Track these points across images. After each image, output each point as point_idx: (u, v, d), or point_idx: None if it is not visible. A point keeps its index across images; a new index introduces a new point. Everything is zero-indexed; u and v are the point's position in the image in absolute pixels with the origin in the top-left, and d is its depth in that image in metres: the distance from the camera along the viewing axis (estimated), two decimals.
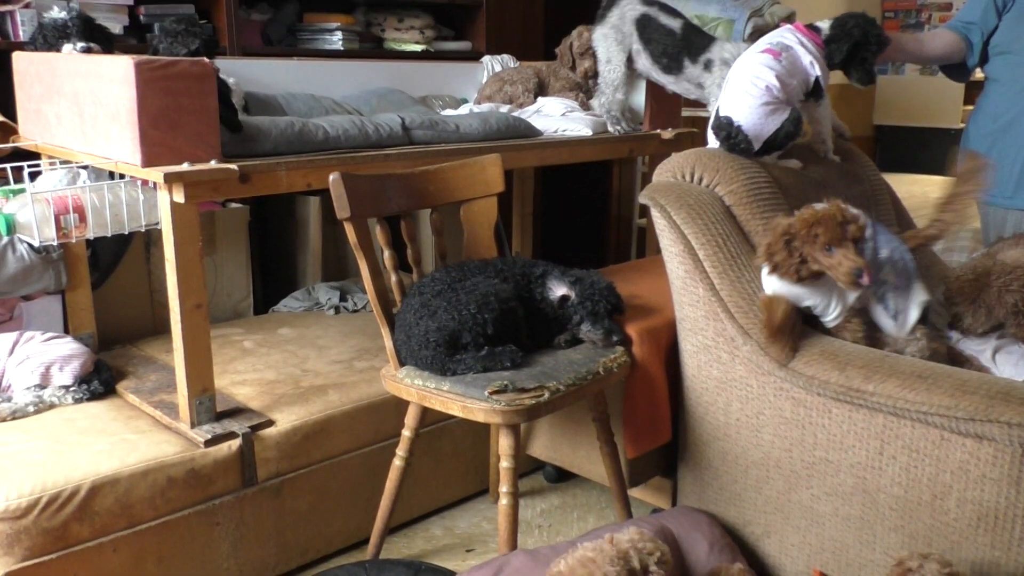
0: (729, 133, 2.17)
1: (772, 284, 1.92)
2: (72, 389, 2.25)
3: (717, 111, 2.23)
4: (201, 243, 2.04)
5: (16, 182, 2.34)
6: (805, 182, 2.29)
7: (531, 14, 4.56)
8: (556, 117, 2.99)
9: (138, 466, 1.94)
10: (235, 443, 2.07)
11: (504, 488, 1.91)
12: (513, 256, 3.23)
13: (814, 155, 2.45)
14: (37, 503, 1.80)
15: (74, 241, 2.29)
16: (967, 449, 1.63)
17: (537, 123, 2.89)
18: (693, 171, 2.16)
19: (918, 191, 3.89)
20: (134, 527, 1.93)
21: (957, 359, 2.07)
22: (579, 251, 4.89)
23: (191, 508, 2.01)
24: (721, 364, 2.01)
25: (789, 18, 2.79)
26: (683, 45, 2.64)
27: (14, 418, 2.14)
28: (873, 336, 1.99)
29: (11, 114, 2.51)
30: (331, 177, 1.91)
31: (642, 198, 2.14)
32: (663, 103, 3.09)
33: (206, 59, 1.99)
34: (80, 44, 2.26)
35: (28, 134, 2.43)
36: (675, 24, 2.66)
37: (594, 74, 3.03)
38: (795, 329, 1.90)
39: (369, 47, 3.67)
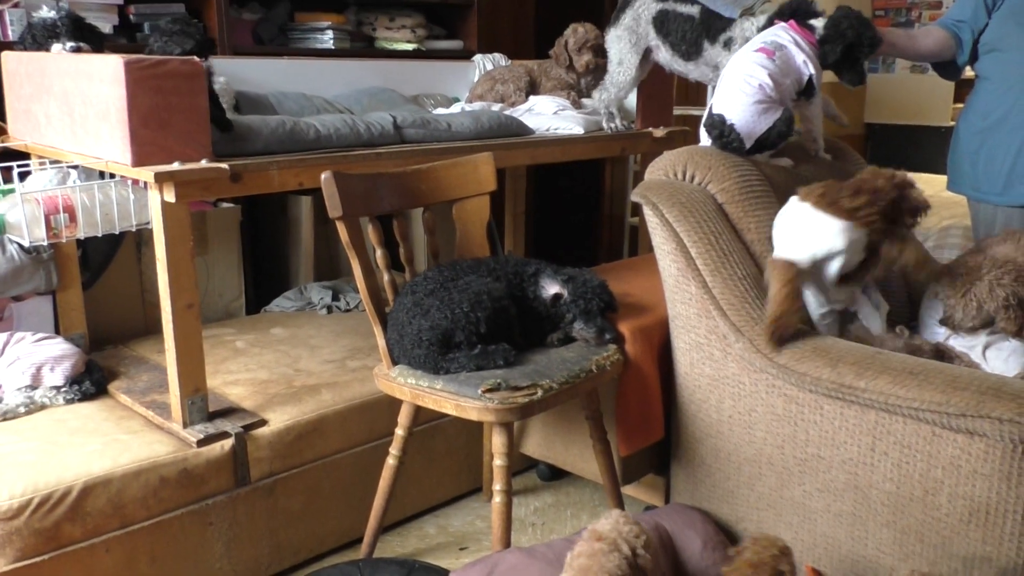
0: (722, 131, 2.17)
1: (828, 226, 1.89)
2: (63, 390, 2.24)
3: (710, 109, 2.23)
4: (192, 243, 2.03)
5: (6, 182, 2.33)
6: (797, 180, 2.29)
7: (522, 13, 4.56)
8: (548, 116, 2.99)
9: (130, 466, 1.93)
10: (228, 443, 2.07)
11: (497, 486, 1.91)
12: (506, 255, 3.23)
13: (806, 153, 2.46)
14: (29, 504, 1.79)
15: (64, 241, 2.29)
16: (958, 445, 1.64)
17: (529, 122, 2.89)
18: (685, 169, 2.16)
19: None
20: (127, 527, 1.92)
21: (947, 355, 2.08)
22: (571, 249, 4.90)
23: (184, 508, 2.01)
24: (713, 361, 2.01)
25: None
26: (702, 28, 2.63)
27: (5, 419, 2.13)
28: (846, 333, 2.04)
29: (0, 114, 2.50)
30: (323, 176, 1.91)
31: (634, 196, 2.14)
32: (655, 101, 3.09)
33: (196, 58, 1.99)
34: (69, 43, 2.25)
35: (17, 134, 2.42)
36: (693, 10, 2.65)
37: (594, 68, 3.03)
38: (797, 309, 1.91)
39: (360, 46, 3.66)
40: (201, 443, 2.04)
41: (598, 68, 3.03)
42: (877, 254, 1.98)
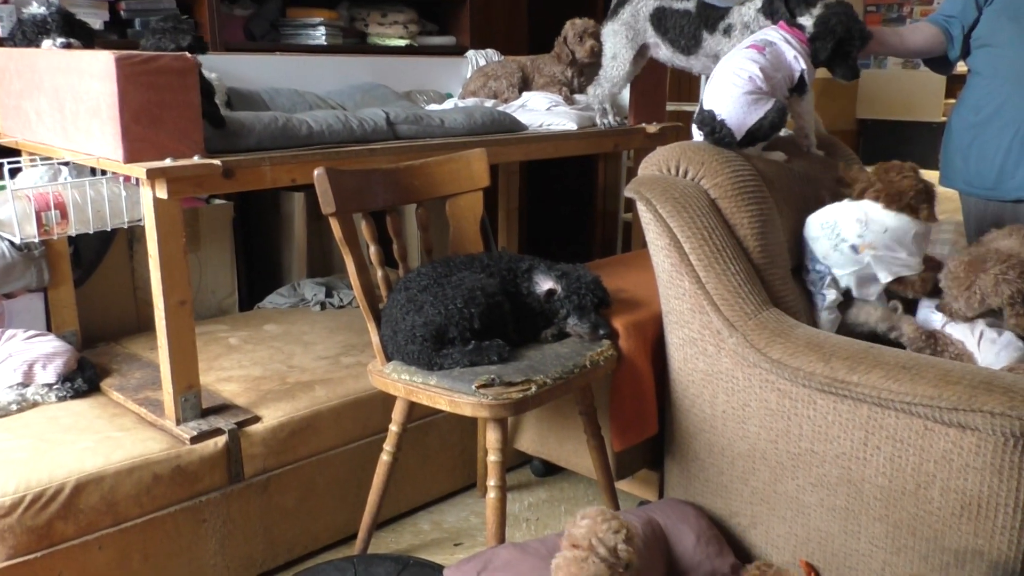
0: (713, 128, 2.19)
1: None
2: (55, 387, 2.24)
3: (701, 105, 2.24)
4: (185, 239, 2.03)
5: None
6: (790, 175, 2.30)
7: (515, 8, 4.55)
8: (541, 112, 2.99)
9: (123, 463, 1.93)
10: (221, 440, 2.07)
11: (492, 482, 1.91)
12: (499, 251, 3.23)
13: (798, 148, 2.47)
14: (21, 501, 1.79)
15: (56, 238, 2.28)
16: (950, 439, 1.65)
17: (522, 117, 2.89)
18: (678, 164, 2.16)
19: None
20: (119, 525, 1.92)
21: (942, 342, 2.09)
22: (565, 245, 4.90)
23: (177, 505, 2.00)
24: (707, 357, 2.02)
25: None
26: (700, 20, 2.63)
27: None
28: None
29: None
30: (316, 172, 1.91)
31: (628, 192, 2.14)
32: (648, 97, 3.09)
33: (188, 54, 1.98)
34: (60, 39, 2.23)
35: (8, 131, 2.41)
36: (689, 5, 2.65)
37: (599, 51, 3.02)
38: None
39: (353, 42, 3.66)
40: (194, 440, 2.03)
41: (601, 66, 3.03)
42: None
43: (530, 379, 1.85)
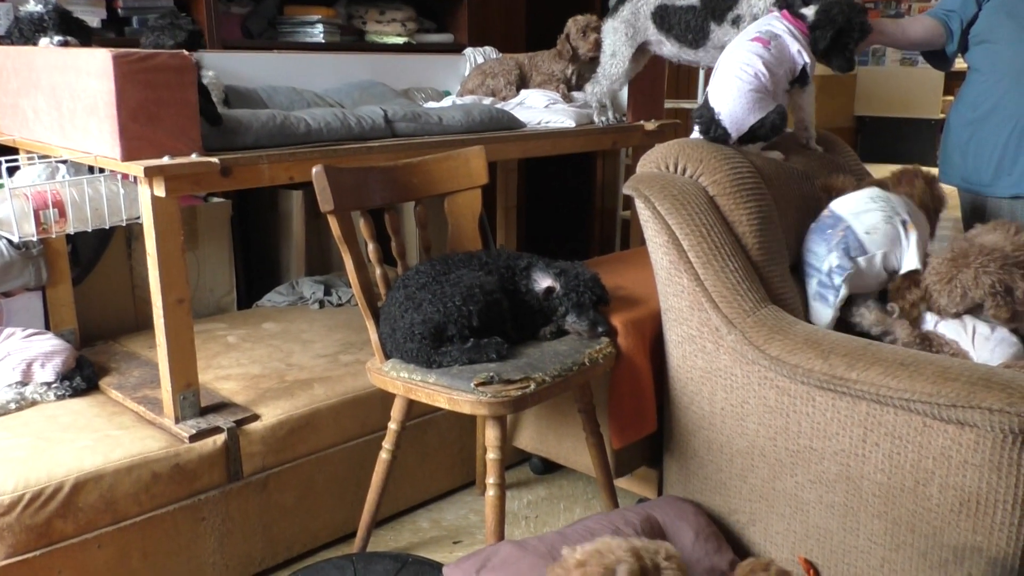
0: (708, 126, 2.20)
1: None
2: (54, 385, 2.24)
3: (706, 98, 2.24)
4: (183, 237, 2.02)
5: None
6: (788, 172, 2.30)
7: (513, 6, 4.55)
8: (539, 109, 2.99)
9: (122, 462, 1.93)
10: (220, 438, 2.07)
11: (491, 480, 1.91)
12: (498, 248, 3.22)
13: (797, 145, 2.47)
14: (20, 500, 1.79)
15: (54, 236, 2.28)
16: (949, 435, 1.65)
17: (520, 115, 2.89)
18: (676, 162, 2.16)
19: None
20: (119, 523, 1.92)
21: (936, 343, 2.09)
22: (563, 243, 4.90)
23: (176, 503, 2.00)
24: (706, 354, 2.02)
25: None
26: (706, 12, 2.61)
27: None
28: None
29: None
30: (314, 170, 1.90)
31: (626, 189, 2.14)
32: (646, 95, 3.09)
33: (185, 52, 1.98)
34: (57, 38, 2.23)
35: (5, 129, 2.41)
36: (693, 0, 2.64)
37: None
38: None
39: (350, 40, 3.65)
40: (193, 438, 2.03)
41: (600, 62, 3.02)
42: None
43: (529, 377, 1.85)
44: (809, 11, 2.27)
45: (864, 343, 1.84)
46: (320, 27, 3.45)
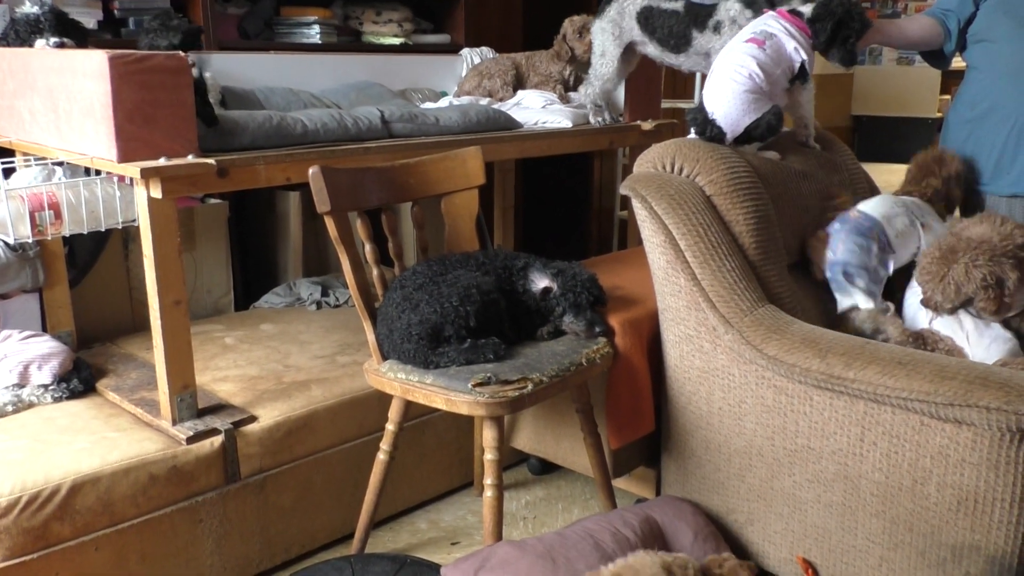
0: (704, 128, 2.20)
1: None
2: (51, 388, 2.23)
3: (701, 101, 2.24)
4: (180, 239, 2.02)
5: None
6: (785, 171, 2.30)
7: (509, 6, 4.55)
8: (536, 109, 2.99)
9: (119, 464, 1.92)
10: (217, 440, 2.06)
11: (488, 480, 1.91)
12: (495, 249, 3.22)
13: (794, 145, 2.47)
14: (17, 503, 1.78)
15: (50, 238, 2.27)
16: (947, 434, 1.65)
17: (517, 115, 2.89)
18: (673, 161, 2.16)
19: (896, 180, 3.90)
20: (116, 525, 1.91)
21: (931, 340, 2.09)
22: (561, 243, 4.90)
23: (174, 505, 2.00)
24: (703, 353, 2.02)
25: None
26: (689, 19, 2.63)
27: None
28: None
29: None
30: (311, 171, 1.90)
31: (623, 189, 2.14)
32: (643, 95, 3.09)
33: (181, 53, 1.98)
34: (53, 39, 2.23)
35: (1, 131, 2.40)
36: (678, 5, 2.65)
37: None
38: None
39: (347, 40, 3.65)
40: (191, 440, 2.03)
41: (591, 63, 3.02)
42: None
43: (526, 377, 1.85)
44: (807, 8, 2.28)
45: (861, 342, 1.84)
46: (317, 28, 3.45)
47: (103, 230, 2.29)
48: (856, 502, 1.80)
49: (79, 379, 2.29)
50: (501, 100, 3.17)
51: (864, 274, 2.18)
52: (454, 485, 2.62)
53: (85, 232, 2.26)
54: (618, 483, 2.37)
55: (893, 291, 2.30)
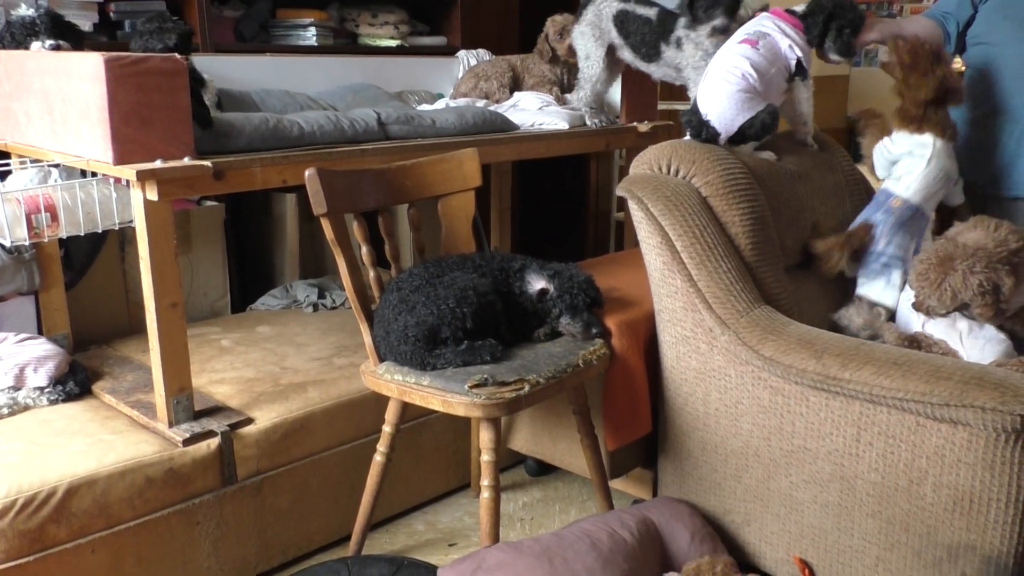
0: (699, 131, 2.22)
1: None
2: (47, 390, 2.23)
3: (694, 103, 2.25)
4: (176, 241, 2.02)
5: None
6: (781, 173, 2.31)
7: (506, 8, 4.55)
8: (533, 111, 2.99)
9: (116, 466, 1.92)
10: (214, 442, 2.06)
11: (485, 482, 1.91)
12: (491, 250, 3.23)
13: (790, 146, 2.47)
14: (13, 505, 1.78)
15: (46, 241, 2.27)
16: (942, 434, 1.65)
17: (514, 117, 2.89)
18: (670, 163, 2.17)
19: None
20: (112, 528, 1.91)
21: (925, 344, 2.10)
22: (557, 245, 4.90)
23: (170, 508, 2.00)
24: (699, 355, 2.02)
25: (764, 9, 2.81)
26: (659, 31, 2.65)
27: None
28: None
29: None
30: (307, 173, 1.90)
31: (619, 190, 2.14)
32: (639, 96, 3.10)
33: (177, 55, 1.98)
34: (49, 42, 2.22)
35: None
36: (651, 12, 2.67)
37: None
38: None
39: (343, 43, 3.65)
40: (187, 442, 2.03)
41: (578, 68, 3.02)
42: None
43: (523, 378, 1.85)
44: (801, 7, 2.31)
45: (857, 343, 1.84)
46: (313, 30, 3.45)
47: (99, 232, 2.28)
48: (852, 502, 1.81)
49: (75, 382, 2.29)
50: (497, 102, 3.17)
51: (902, 266, 2.22)
52: (451, 487, 2.62)
53: (81, 234, 2.26)
54: (615, 484, 2.38)
55: None
